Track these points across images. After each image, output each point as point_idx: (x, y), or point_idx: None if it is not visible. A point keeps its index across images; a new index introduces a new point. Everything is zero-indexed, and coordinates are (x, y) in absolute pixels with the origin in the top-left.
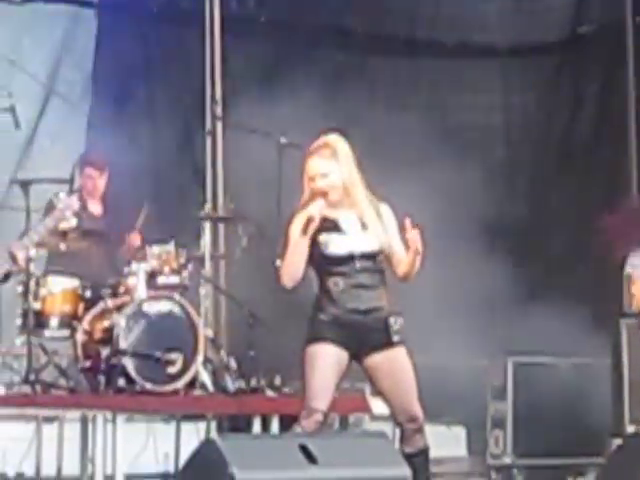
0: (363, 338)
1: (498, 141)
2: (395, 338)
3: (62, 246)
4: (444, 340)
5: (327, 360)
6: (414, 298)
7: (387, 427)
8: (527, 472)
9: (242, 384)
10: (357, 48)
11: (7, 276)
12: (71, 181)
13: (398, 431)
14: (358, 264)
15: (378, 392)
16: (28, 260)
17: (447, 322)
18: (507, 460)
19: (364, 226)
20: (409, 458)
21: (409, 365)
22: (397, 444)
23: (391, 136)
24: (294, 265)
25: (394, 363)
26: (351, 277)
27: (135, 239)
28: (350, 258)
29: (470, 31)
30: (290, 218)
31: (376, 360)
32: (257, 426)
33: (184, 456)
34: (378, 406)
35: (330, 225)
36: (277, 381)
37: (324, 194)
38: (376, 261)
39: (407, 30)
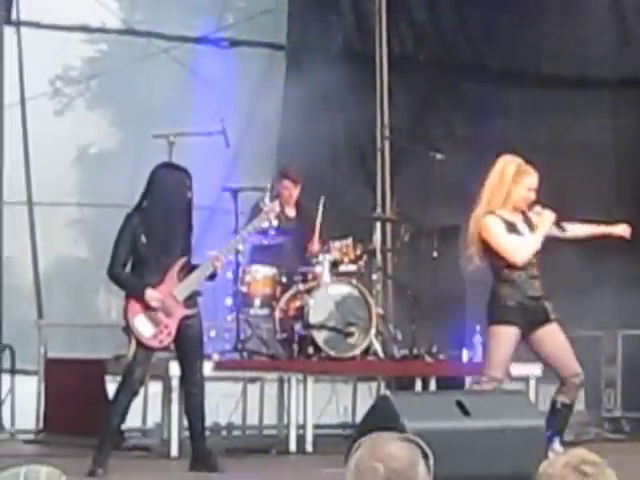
0: (533, 319)
1: (609, 155)
2: (552, 316)
3: (264, 241)
4: (566, 315)
5: (510, 339)
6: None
7: (522, 386)
8: (633, 422)
9: (406, 352)
10: (494, 81)
11: (213, 276)
12: (271, 190)
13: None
14: (533, 260)
15: (544, 358)
16: (237, 252)
17: (570, 300)
18: (617, 413)
19: (531, 229)
20: (563, 407)
21: (563, 334)
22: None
23: (522, 152)
24: (532, 251)
25: (555, 334)
26: (528, 270)
27: (314, 245)
28: None
29: (586, 66)
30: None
31: (540, 334)
32: (418, 386)
33: (360, 409)
34: (515, 370)
35: (511, 228)
36: (434, 349)
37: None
38: (538, 257)
39: (535, 66)
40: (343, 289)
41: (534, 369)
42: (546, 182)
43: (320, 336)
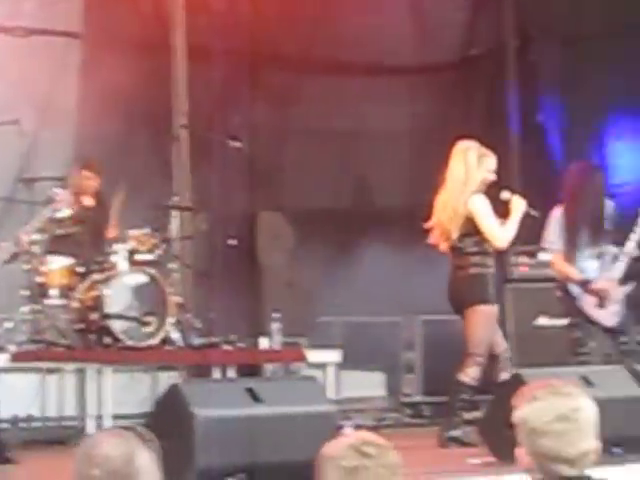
0: None
1: (405, 141)
2: None
3: (59, 231)
4: (365, 301)
5: (495, 319)
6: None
7: (319, 373)
8: (433, 407)
9: (205, 340)
10: (293, 69)
11: (14, 257)
12: (66, 179)
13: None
14: None
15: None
16: (32, 243)
17: (367, 286)
18: (417, 398)
19: None
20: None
21: None
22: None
23: (322, 139)
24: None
25: None
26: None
27: (112, 232)
28: None
29: (384, 53)
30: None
31: None
32: (217, 374)
33: None
34: (312, 357)
35: None
36: (232, 337)
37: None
38: None
39: (333, 53)
40: (140, 278)
41: (333, 355)
42: (347, 168)
43: (117, 326)
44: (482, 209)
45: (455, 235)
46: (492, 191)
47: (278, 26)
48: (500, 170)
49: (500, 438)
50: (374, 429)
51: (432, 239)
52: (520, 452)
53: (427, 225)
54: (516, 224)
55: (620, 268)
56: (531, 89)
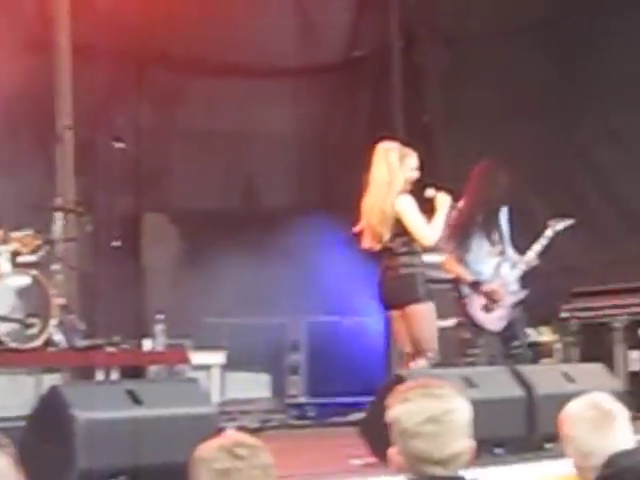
0: None
1: (291, 143)
2: None
3: None
4: (250, 302)
5: (434, 315)
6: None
7: (203, 375)
8: (317, 408)
9: (88, 342)
10: (179, 71)
11: None
12: None
13: None
14: None
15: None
16: None
17: (252, 287)
18: (302, 400)
19: None
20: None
21: None
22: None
23: (209, 140)
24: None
25: None
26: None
27: None
28: None
29: (269, 55)
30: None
31: None
32: (101, 376)
33: None
34: (196, 358)
35: None
36: (116, 339)
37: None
38: None
39: (218, 54)
40: (23, 280)
41: (218, 357)
42: (233, 169)
43: (0, 328)
44: (408, 209)
45: (387, 237)
46: (416, 189)
47: (165, 27)
48: None
49: (381, 438)
50: (259, 430)
51: (364, 243)
52: (392, 452)
53: (356, 229)
54: (442, 221)
55: (516, 275)
56: (416, 90)
